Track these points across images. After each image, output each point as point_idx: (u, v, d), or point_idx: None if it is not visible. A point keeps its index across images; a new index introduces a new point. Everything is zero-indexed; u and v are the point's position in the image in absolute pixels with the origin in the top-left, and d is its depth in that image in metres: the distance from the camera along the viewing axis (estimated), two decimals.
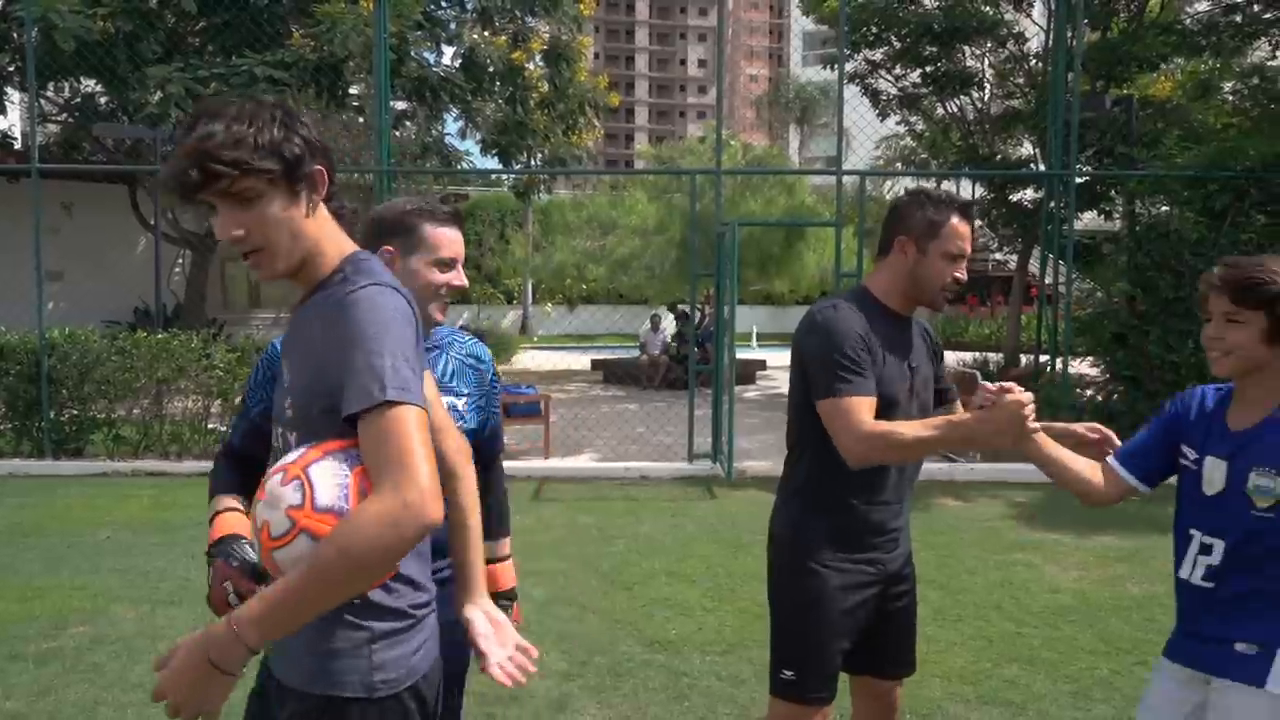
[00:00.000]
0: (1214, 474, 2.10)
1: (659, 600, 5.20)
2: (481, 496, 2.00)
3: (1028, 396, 2.12)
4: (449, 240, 2.12)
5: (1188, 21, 11.78)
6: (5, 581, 5.35)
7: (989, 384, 2.31)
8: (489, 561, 2.17)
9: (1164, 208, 9.30)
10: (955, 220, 2.41)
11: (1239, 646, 2.04)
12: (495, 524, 2.29)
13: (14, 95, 14.79)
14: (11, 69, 13.74)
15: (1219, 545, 2.08)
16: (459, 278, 2.14)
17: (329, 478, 1.42)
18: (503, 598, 2.25)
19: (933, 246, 2.39)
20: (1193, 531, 2.14)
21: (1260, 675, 1.99)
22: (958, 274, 2.42)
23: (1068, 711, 3.87)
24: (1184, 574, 2.16)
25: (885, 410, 2.32)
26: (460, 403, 2.22)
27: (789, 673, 2.42)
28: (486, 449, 2.30)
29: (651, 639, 4.62)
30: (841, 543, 2.40)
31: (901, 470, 2.45)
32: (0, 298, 10.37)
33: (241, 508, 1.84)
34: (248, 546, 1.71)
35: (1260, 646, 2.02)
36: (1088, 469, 2.32)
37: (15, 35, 13.13)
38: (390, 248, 2.07)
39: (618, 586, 5.45)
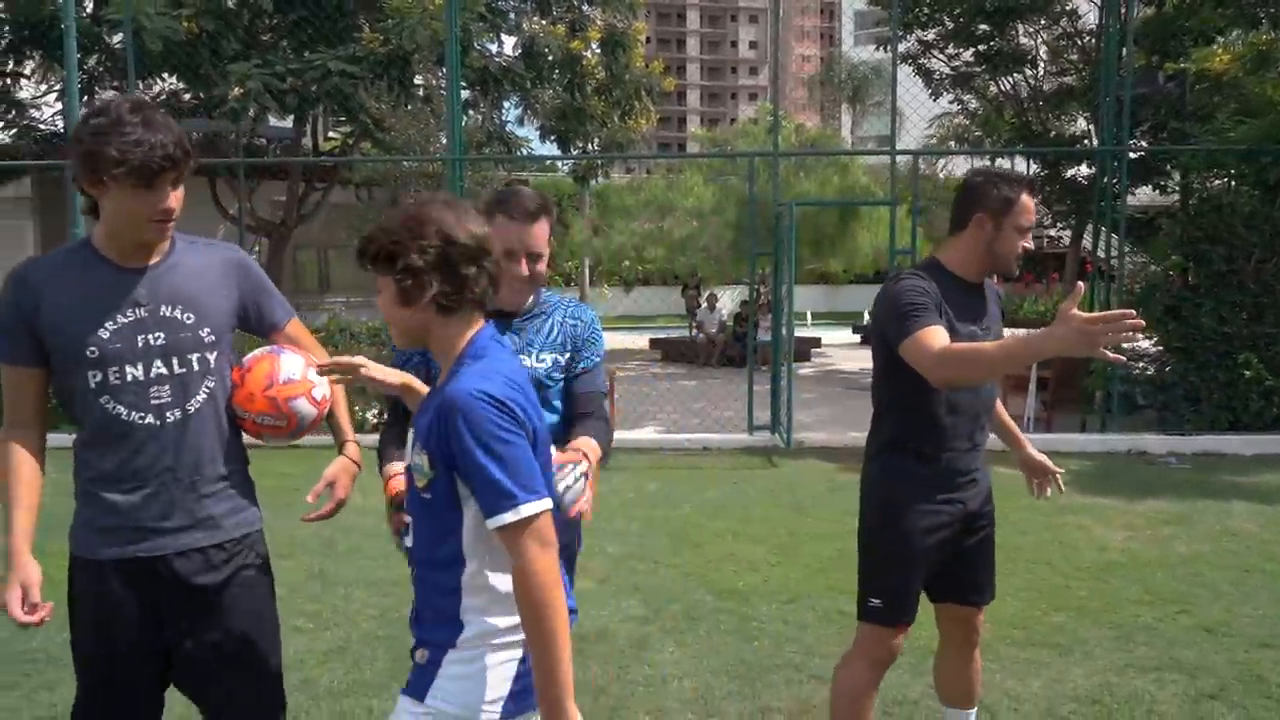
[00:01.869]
0: None
1: (726, 556, 5.61)
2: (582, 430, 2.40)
3: (1088, 315, 2.23)
4: (520, 233, 2.37)
5: None
6: None
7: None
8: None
9: (1217, 182, 9.39)
10: (1025, 197, 2.74)
11: (416, 654, 1.96)
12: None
13: (103, 94, 15.53)
14: (101, 70, 14.48)
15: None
16: (540, 268, 2.41)
17: None
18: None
19: (1007, 221, 2.71)
20: None
21: (421, 688, 1.89)
22: (1027, 244, 2.76)
23: (1111, 653, 4.19)
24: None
25: None
26: (564, 358, 2.50)
27: (876, 601, 2.79)
28: (583, 388, 2.53)
29: (721, 589, 5.02)
30: (923, 488, 2.74)
31: (975, 417, 2.79)
32: None
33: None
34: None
35: (428, 651, 1.91)
36: None
37: (105, 38, 13.86)
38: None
39: (687, 544, 5.86)
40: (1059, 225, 14.67)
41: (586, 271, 28.30)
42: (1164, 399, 9.35)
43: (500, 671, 1.87)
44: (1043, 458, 3.04)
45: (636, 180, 22.15)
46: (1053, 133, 13.57)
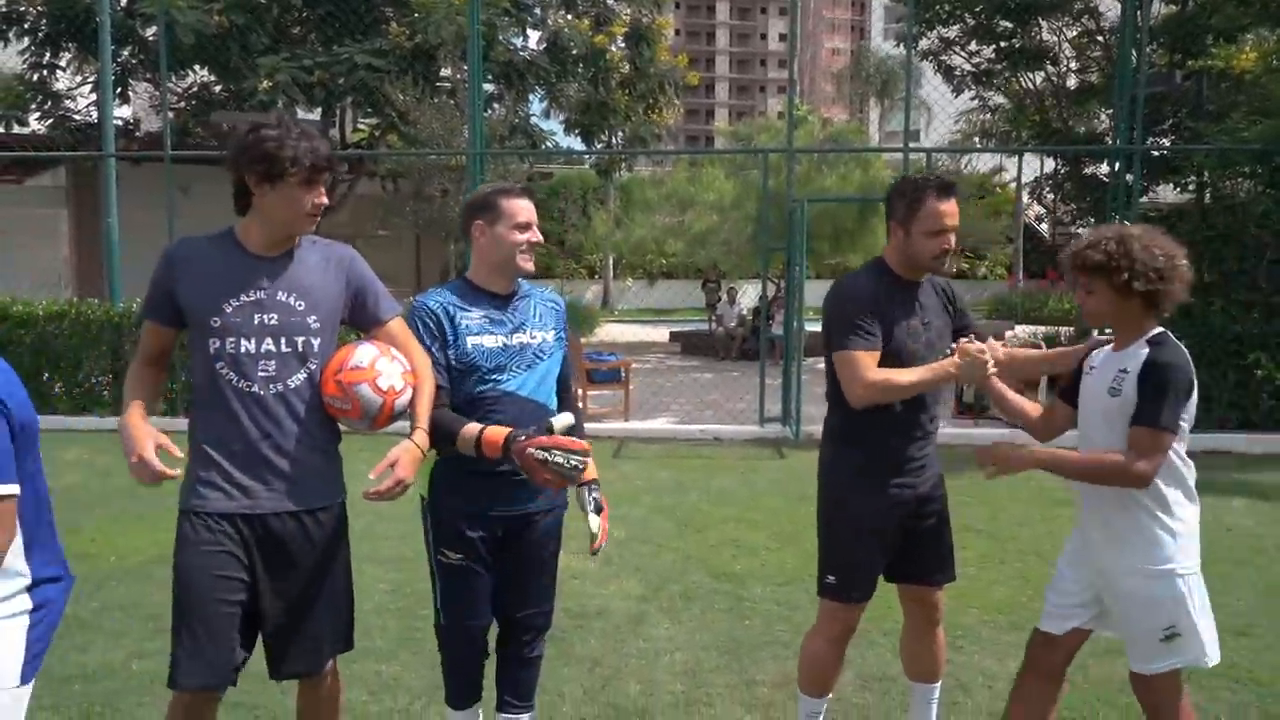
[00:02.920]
0: None
1: (727, 541, 5.79)
2: (563, 409, 2.86)
3: (987, 352, 2.70)
4: (522, 208, 2.77)
5: None
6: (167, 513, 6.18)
7: (996, 343, 2.83)
8: None
9: (1231, 181, 9.43)
10: (930, 201, 2.85)
11: None
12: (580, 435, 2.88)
13: (136, 86, 15.89)
14: (134, 62, 14.84)
15: None
16: (535, 235, 2.80)
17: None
18: (592, 485, 2.91)
19: (914, 228, 2.86)
20: None
21: None
22: (944, 245, 2.85)
23: (1094, 638, 4.31)
24: None
25: (901, 359, 2.84)
26: (550, 336, 2.87)
27: (831, 578, 2.99)
28: (564, 372, 2.94)
29: (719, 572, 5.21)
30: (873, 473, 2.92)
31: (925, 407, 2.95)
32: (128, 271, 11.43)
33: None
34: (523, 433, 2.57)
35: None
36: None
37: (139, 31, 14.21)
38: (480, 222, 2.77)
39: (690, 529, 6.05)
40: (1077, 223, 14.71)
41: (610, 264, 28.50)
42: None
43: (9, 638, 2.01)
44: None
45: (659, 174, 22.32)
46: (1081, 129, 13.60)
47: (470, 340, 2.72)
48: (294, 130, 2.43)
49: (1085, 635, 2.80)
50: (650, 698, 3.71)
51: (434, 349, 2.71)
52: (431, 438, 2.62)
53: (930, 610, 3.12)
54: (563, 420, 2.65)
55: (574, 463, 2.53)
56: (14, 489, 1.95)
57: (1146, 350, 2.53)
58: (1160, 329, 2.60)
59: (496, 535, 2.80)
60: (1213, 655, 2.62)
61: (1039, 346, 3.15)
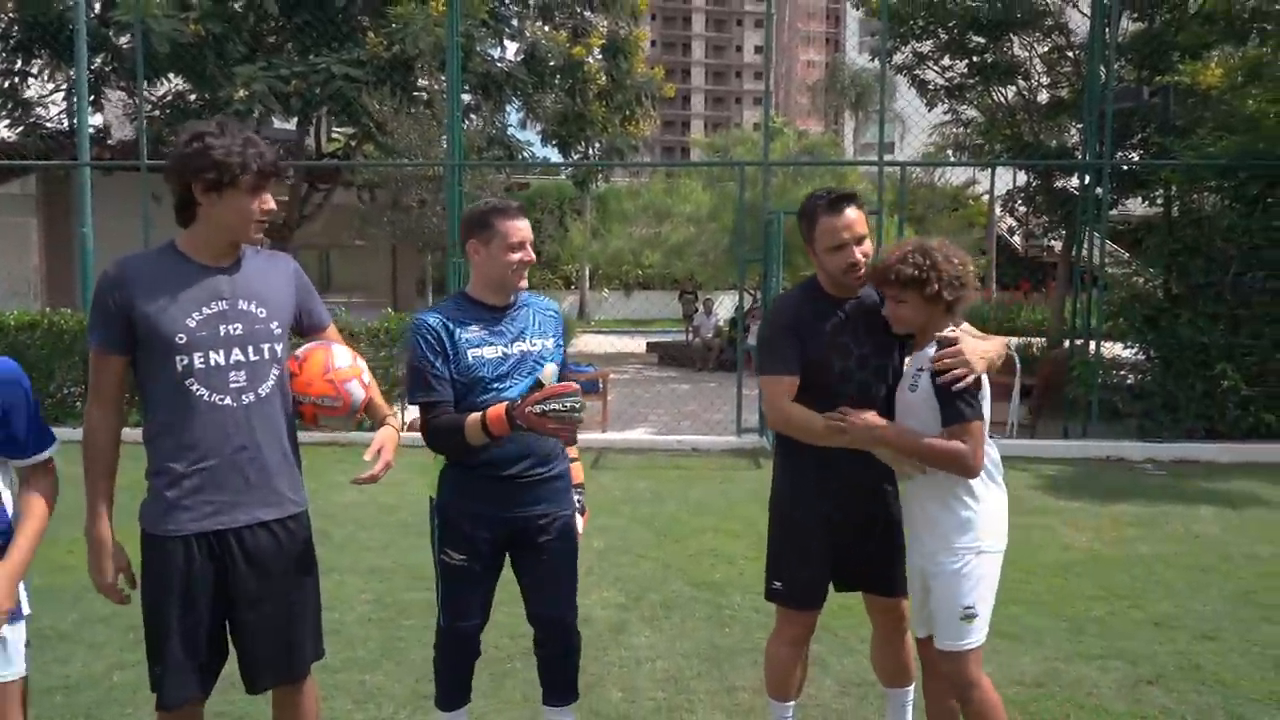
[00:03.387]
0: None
1: (706, 551, 5.85)
2: None
3: (871, 420, 2.73)
4: (516, 229, 2.87)
5: (1237, 8, 11.93)
6: None
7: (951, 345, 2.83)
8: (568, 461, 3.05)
9: (1197, 196, 9.63)
10: (822, 218, 2.87)
11: None
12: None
13: (109, 94, 15.78)
14: (108, 70, 14.73)
15: None
16: (528, 255, 2.89)
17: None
18: (576, 489, 3.06)
19: (818, 246, 2.91)
20: None
21: None
22: (849, 259, 2.83)
23: (1060, 643, 4.43)
24: None
25: (824, 375, 2.85)
26: (549, 343, 2.97)
27: (778, 584, 3.10)
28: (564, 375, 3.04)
29: (698, 581, 5.27)
30: (814, 488, 2.95)
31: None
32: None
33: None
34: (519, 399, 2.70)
35: None
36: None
37: (111, 38, 14.11)
38: (475, 240, 2.85)
39: (669, 539, 6.10)
40: (1049, 236, 14.92)
41: (586, 275, 28.56)
42: (1144, 407, 9.58)
43: None
44: None
45: (636, 185, 22.42)
46: (1053, 143, 13.79)
47: (471, 353, 2.80)
48: (239, 136, 2.40)
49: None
50: (632, 705, 3.76)
51: (437, 363, 2.80)
52: (436, 445, 2.79)
53: (894, 618, 3.14)
54: (548, 371, 2.79)
55: (569, 404, 2.62)
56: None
57: (934, 348, 2.70)
58: (953, 328, 2.76)
59: (503, 539, 2.89)
60: (982, 635, 2.80)
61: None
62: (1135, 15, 11.86)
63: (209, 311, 2.43)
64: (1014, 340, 15.74)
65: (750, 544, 5.99)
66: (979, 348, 2.71)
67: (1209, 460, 8.84)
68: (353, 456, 7.89)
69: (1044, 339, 14.52)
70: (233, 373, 2.44)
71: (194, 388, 2.42)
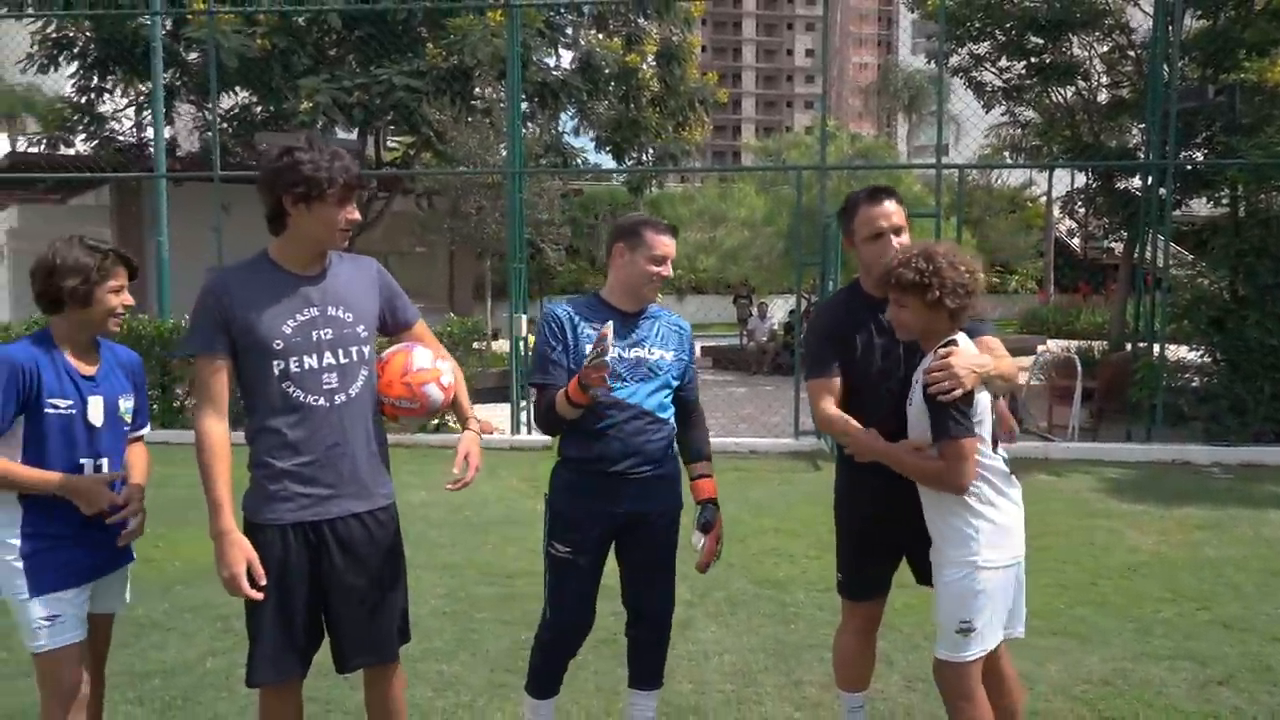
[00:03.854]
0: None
1: (768, 550, 5.92)
2: (687, 431, 3.18)
3: (862, 434, 2.76)
4: (663, 244, 3.02)
5: None
6: None
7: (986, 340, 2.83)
8: (698, 477, 3.18)
9: (1264, 196, 9.46)
10: (863, 209, 2.95)
11: None
12: (698, 450, 3.21)
13: (178, 108, 16.30)
14: (178, 84, 15.23)
15: None
16: (667, 270, 3.04)
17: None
18: (710, 503, 3.18)
19: (857, 237, 2.97)
20: None
21: None
22: (889, 249, 2.85)
23: (1128, 643, 4.42)
24: None
25: (865, 376, 2.92)
26: (668, 355, 3.09)
27: (840, 575, 3.21)
28: (688, 394, 3.19)
29: (762, 579, 5.34)
30: (857, 485, 3.04)
31: (902, 428, 2.97)
32: (174, 288, 11.74)
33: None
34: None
35: None
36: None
37: (181, 54, 14.60)
38: (622, 245, 3.00)
39: (731, 539, 6.10)
40: (1110, 237, 14.72)
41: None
42: (1210, 410, 9.42)
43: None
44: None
45: (690, 190, 22.52)
46: (1113, 144, 13.62)
47: (588, 348, 2.92)
48: (326, 151, 2.55)
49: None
50: (702, 696, 3.85)
51: (557, 350, 2.99)
52: (540, 421, 3.01)
53: None
54: (605, 325, 2.86)
55: (597, 350, 2.74)
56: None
57: (932, 359, 2.65)
58: (952, 338, 2.68)
59: (609, 533, 3.03)
60: (993, 640, 2.74)
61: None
62: (1199, 13, 11.67)
63: (302, 318, 2.58)
64: (1072, 344, 15.57)
65: (811, 543, 6.05)
66: (972, 361, 2.62)
67: (1278, 464, 8.68)
68: (416, 458, 8.09)
69: (1105, 342, 14.31)
70: (325, 375, 2.59)
71: (290, 390, 2.57)
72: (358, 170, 2.62)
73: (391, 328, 2.84)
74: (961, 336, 2.71)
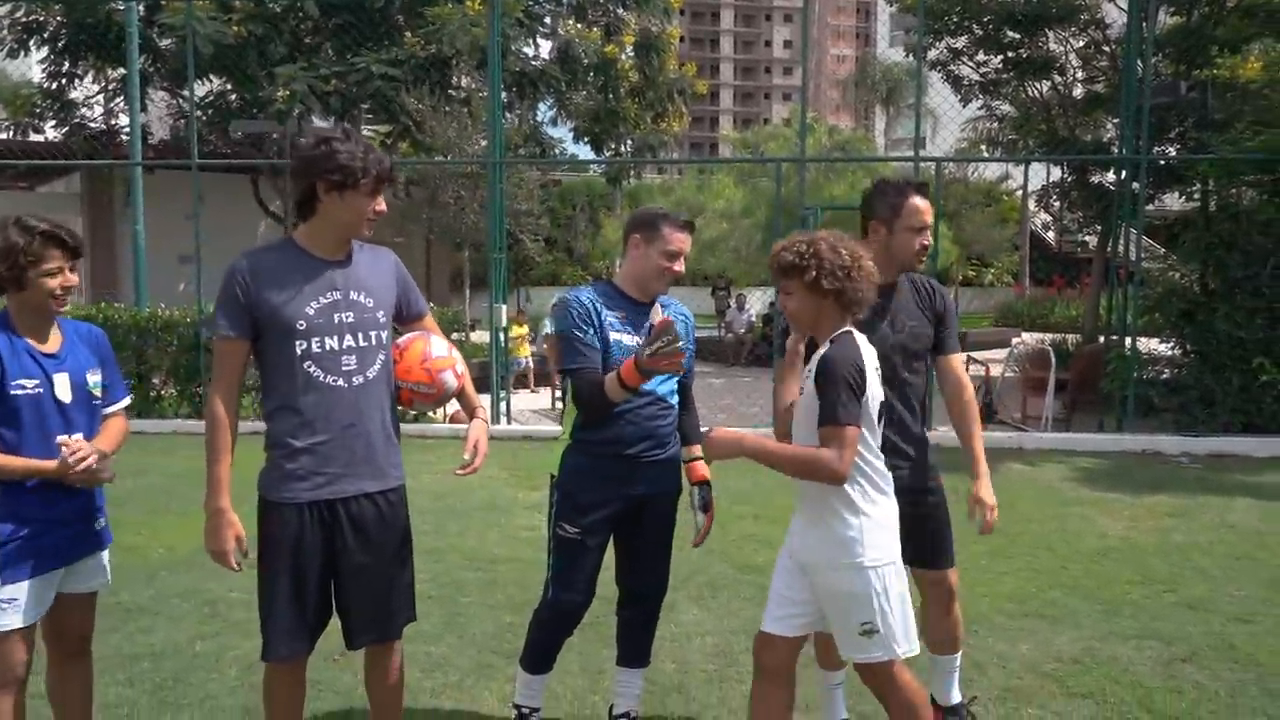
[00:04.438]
0: None
1: (747, 536, 6.01)
2: (682, 414, 3.25)
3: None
4: (679, 239, 3.08)
5: (1277, 1, 11.86)
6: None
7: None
8: (694, 459, 3.26)
9: (1234, 190, 9.64)
10: (912, 199, 3.11)
11: None
12: (693, 434, 3.28)
13: (151, 94, 16.14)
14: (151, 71, 15.09)
15: None
16: (679, 267, 3.10)
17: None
18: (705, 484, 3.29)
19: (898, 224, 3.11)
20: None
21: None
22: (924, 241, 3.12)
23: (1097, 624, 4.54)
24: None
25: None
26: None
27: None
28: (687, 379, 3.29)
29: (741, 564, 5.44)
30: None
31: (910, 407, 3.16)
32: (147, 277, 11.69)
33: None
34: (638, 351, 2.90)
35: None
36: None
37: (154, 40, 14.47)
38: (639, 236, 3.07)
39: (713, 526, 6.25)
40: (1084, 231, 14.90)
41: (618, 270, 28.75)
42: (1180, 401, 9.60)
43: None
44: (984, 495, 3.17)
45: (668, 181, 22.58)
46: (1088, 138, 13.78)
47: (612, 335, 3.03)
48: (361, 143, 2.65)
49: (804, 637, 2.81)
50: (685, 675, 3.94)
51: (588, 334, 3.05)
52: (582, 402, 3.04)
53: (942, 590, 3.30)
54: (654, 314, 3.02)
55: (668, 339, 2.81)
56: None
57: (828, 348, 2.64)
58: (846, 329, 2.66)
59: (617, 514, 3.10)
60: (905, 648, 2.64)
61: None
62: (1173, 10, 11.84)
63: (325, 301, 2.66)
64: (1046, 336, 15.78)
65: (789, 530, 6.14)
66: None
67: (1245, 454, 8.86)
68: (409, 446, 8.11)
69: (1079, 335, 14.52)
70: (344, 357, 2.67)
71: (311, 369, 2.64)
72: (390, 164, 2.70)
73: (404, 317, 2.92)
74: (860, 336, 2.68)
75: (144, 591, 4.72)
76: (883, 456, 2.70)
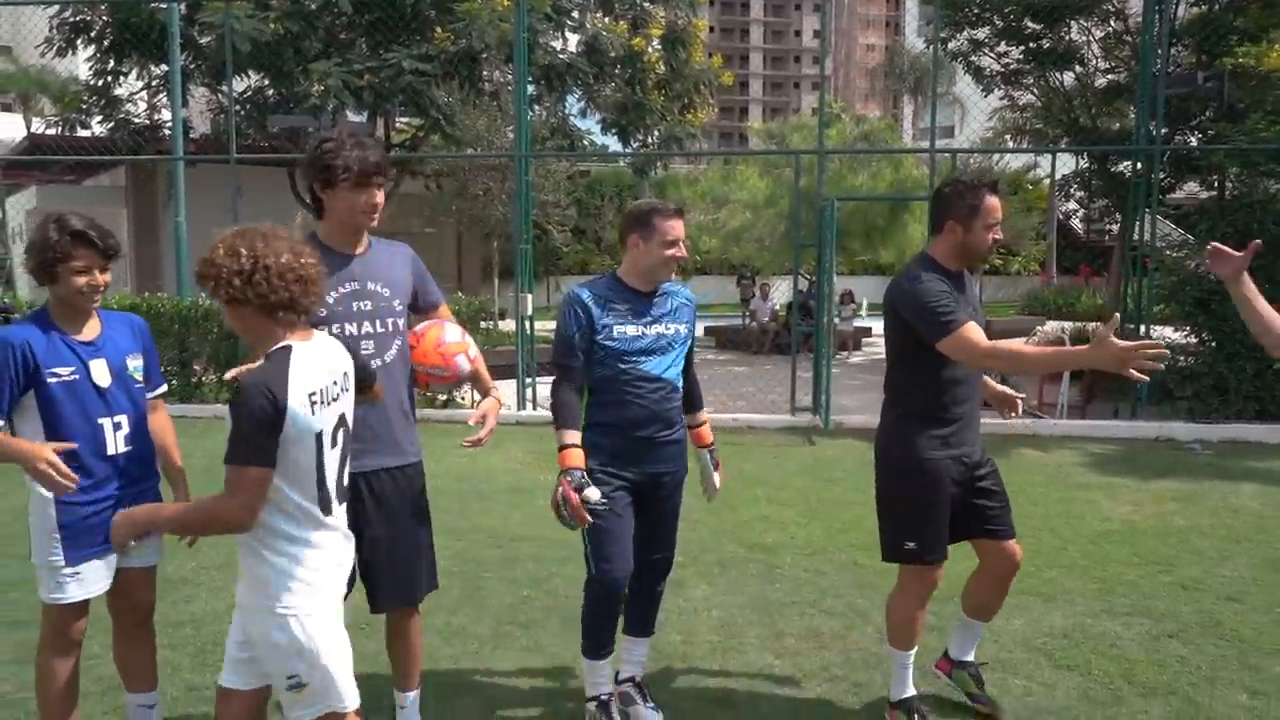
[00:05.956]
0: None
1: (759, 517, 6.25)
2: (685, 385, 3.46)
3: (1124, 344, 2.72)
4: (674, 227, 3.25)
5: None
6: None
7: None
8: (696, 426, 3.56)
9: (1251, 179, 9.70)
10: (988, 199, 3.28)
11: None
12: (697, 402, 3.57)
13: (191, 90, 16.57)
14: (192, 67, 15.51)
15: None
16: (681, 251, 3.27)
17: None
18: (707, 449, 3.58)
19: (975, 223, 3.27)
20: None
21: None
22: (999, 236, 3.33)
23: (1090, 602, 4.74)
24: None
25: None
26: (683, 328, 3.40)
27: (911, 544, 3.35)
28: (690, 355, 3.51)
29: (751, 543, 5.67)
30: (939, 445, 3.28)
31: (973, 385, 3.37)
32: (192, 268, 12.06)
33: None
34: (574, 475, 3.11)
35: None
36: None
37: (195, 38, 14.87)
38: (636, 235, 3.25)
39: (724, 506, 6.46)
40: (1107, 219, 14.92)
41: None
42: (1194, 389, 9.69)
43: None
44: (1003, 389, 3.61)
45: (694, 172, 22.76)
46: (1116, 126, 13.82)
47: (616, 328, 3.23)
48: (349, 141, 2.85)
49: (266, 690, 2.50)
50: (690, 646, 4.18)
51: (578, 335, 3.22)
52: (551, 413, 3.24)
53: (1009, 562, 3.47)
54: (592, 493, 3.12)
55: (569, 523, 3.13)
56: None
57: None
58: (284, 345, 2.32)
59: (635, 486, 3.31)
60: (349, 701, 2.41)
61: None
62: (1194, 0, 11.87)
63: (344, 290, 2.92)
64: (1070, 325, 15.81)
65: (800, 512, 6.38)
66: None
67: (1257, 440, 8.96)
68: (435, 431, 8.39)
69: (1099, 323, 14.57)
70: (363, 342, 2.93)
71: None
72: (375, 159, 2.86)
73: (421, 307, 3.17)
74: (314, 349, 2.38)
75: (186, 564, 5.04)
76: (325, 490, 2.38)
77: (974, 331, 3.13)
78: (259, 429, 2.19)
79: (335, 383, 2.42)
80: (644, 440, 3.28)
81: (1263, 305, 2.97)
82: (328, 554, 2.39)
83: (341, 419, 2.46)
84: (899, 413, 3.38)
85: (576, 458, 3.14)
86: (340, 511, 2.48)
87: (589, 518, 3.10)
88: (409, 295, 3.10)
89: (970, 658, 3.68)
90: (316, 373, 2.34)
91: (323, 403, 2.33)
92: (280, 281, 2.27)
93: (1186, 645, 4.19)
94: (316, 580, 2.35)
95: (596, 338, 3.21)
